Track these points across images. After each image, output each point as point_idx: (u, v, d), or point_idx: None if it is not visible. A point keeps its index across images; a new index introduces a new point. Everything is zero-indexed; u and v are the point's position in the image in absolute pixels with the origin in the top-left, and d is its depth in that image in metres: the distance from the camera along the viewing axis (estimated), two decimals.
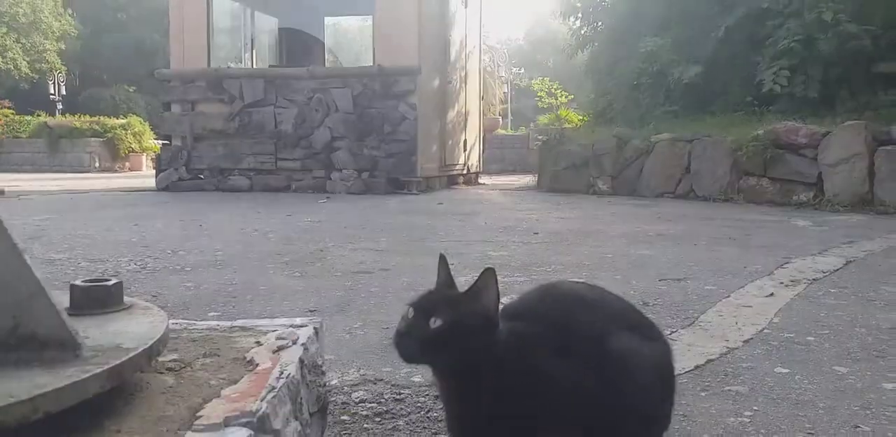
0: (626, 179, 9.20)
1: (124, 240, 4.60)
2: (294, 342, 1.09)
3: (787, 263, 3.77)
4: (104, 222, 5.74)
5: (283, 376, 0.93)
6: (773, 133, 7.61)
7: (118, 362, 0.76)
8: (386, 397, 1.72)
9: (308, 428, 1.02)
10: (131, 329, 0.90)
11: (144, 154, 20.60)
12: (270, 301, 2.83)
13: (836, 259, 3.91)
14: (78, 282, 1.00)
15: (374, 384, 1.83)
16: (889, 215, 6.36)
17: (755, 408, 1.69)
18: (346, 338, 2.28)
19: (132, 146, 20.65)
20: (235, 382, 0.91)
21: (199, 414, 0.79)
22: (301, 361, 1.03)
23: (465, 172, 11.96)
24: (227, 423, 0.77)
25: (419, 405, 1.67)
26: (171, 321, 1.24)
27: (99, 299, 0.99)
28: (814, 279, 3.33)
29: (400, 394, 1.74)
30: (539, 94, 18.71)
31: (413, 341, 1.23)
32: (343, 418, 1.59)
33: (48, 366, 0.74)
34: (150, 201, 8.06)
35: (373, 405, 1.66)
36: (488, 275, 1.30)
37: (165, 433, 0.74)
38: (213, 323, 1.24)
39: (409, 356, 1.29)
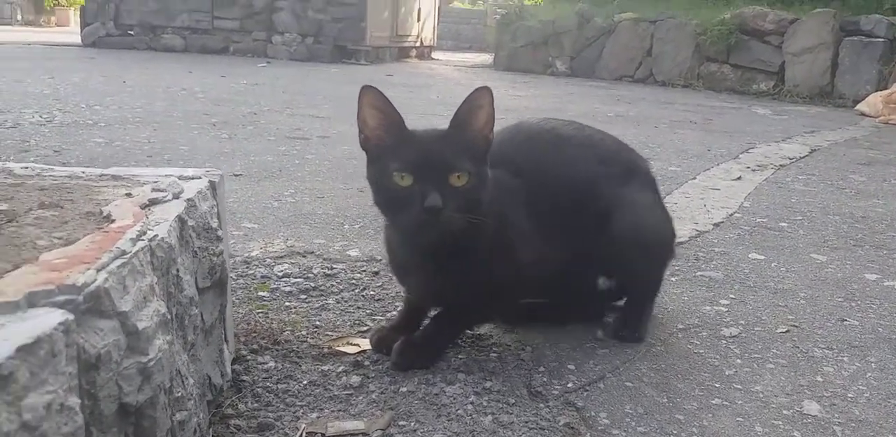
0: (585, 60, 8.80)
1: (34, 92, 4.10)
2: (176, 196, 0.80)
3: (751, 148, 3.58)
4: (15, 73, 5.14)
5: (143, 237, 0.65)
6: (739, 17, 7.29)
7: None
8: (315, 272, 1.46)
9: (195, 308, 0.76)
10: None
11: (72, 9, 18.94)
12: (191, 163, 2.49)
13: (801, 147, 3.74)
14: None
15: (304, 257, 1.56)
16: (847, 109, 6.20)
17: (731, 296, 1.50)
18: (274, 206, 2.00)
19: None
20: (74, 243, 0.63)
21: None
22: (181, 220, 0.75)
23: (417, 45, 11.27)
24: (31, 302, 0.49)
25: (353, 281, 1.42)
26: (18, 165, 0.93)
27: None
28: (781, 166, 3.15)
29: (332, 269, 1.48)
30: None
31: (453, 217, 0.95)
32: (261, 294, 1.33)
33: None
34: (72, 57, 7.35)
35: (298, 280, 1.40)
36: (482, 94, 0.99)
37: None
38: (77, 170, 0.94)
39: (449, 236, 0.99)
